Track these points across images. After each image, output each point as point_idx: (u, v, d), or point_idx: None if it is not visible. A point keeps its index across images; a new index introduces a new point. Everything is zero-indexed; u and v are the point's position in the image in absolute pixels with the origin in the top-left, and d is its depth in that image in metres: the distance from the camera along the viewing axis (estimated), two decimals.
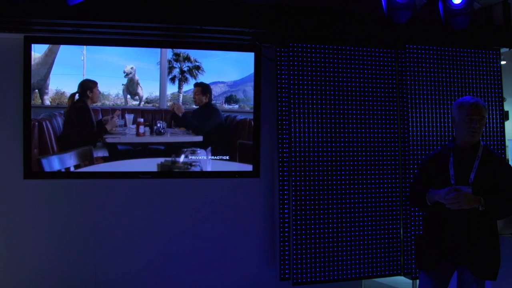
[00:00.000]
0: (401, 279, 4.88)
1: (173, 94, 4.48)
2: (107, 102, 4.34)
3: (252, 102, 4.60)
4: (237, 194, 4.67)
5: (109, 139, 4.33)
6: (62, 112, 4.23)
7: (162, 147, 4.44)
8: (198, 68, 4.50)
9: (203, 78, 4.52)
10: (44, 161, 4.18)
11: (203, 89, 4.52)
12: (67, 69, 4.25)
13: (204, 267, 4.57)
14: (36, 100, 4.19)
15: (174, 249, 4.52)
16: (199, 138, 4.51)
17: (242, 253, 4.66)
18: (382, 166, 4.61)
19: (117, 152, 4.35)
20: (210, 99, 4.54)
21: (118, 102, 4.37)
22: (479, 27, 4.93)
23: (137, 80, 4.41)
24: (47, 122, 4.18)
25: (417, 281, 4.35)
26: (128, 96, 4.40)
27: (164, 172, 4.44)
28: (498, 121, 4.90)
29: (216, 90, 4.57)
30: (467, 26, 4.04)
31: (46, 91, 4.22)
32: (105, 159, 4.31)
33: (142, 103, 4.43)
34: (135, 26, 4.17)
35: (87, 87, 4.27)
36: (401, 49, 4.71)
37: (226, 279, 4.62)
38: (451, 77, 4.79)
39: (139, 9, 4.08)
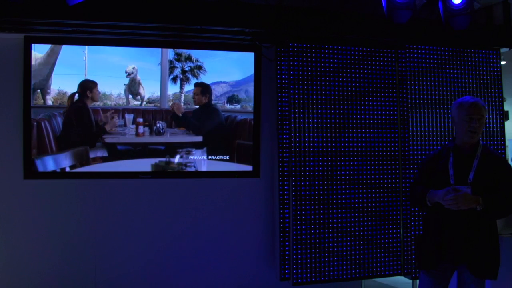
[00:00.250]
0: (401, 279, 4.87)
1: (174, 94, 4.48)
2: (109, 102, 4.35)
3: None
4: (237, 194, 4.67)
5: (108, 139, 4.33)
6: (62, 112, 4.23)
7: (163, 147, 4.44)
8: (199, 68, 4.50)
9: (204, 78, 4.52)
10: (38, 162, 4.17)
11: (203, 89, 4.52)
12: (69, 69, 4.25)
13: (204, 267, 4.57)
14: (38, 100, 4.19)
15: (174, 249, 4.51)
16: (199, 139, 4.51)
17: (242, 253, 4.66)
18: (382, 166, 4.61)
19: (116, 153, 4.34)
20: (210, 99, 4.54)
21: (120, 102, 4.37)
22: (479, 27, 4.94)
23: (139, 80, 4.41)
24: (46, 122, 4.18)
25: (417, 281, 4.35)
26: (130, 96, 4.40)
27: (165, 172, 4.43)
28: (498, 121, 4.90)
29: (218, 90, 4.56)
30: (467, 26, 4.04)
31: (48, 91, 4.22)
32: (104, 159, 4.31)
33: (144, 103, 4.43)
34: (135, 26, 4.18)
35: (87, 87, 4.27)
36: (401, 49, 4.71)
37: (226, 279, 4.62)
38: (451, 77, 4.79)
39: (138, 9, 4.08)
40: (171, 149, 4.44)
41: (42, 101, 4.21)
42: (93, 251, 4.35)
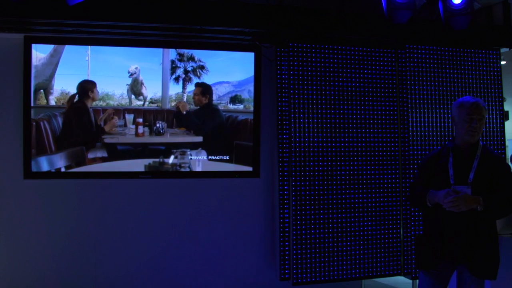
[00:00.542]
0: (401, 279, 4.88)
1: (177, 94, 4.47)
2: (111, 102, 4.34)
3: None
4: (237, 194, 4.67)
5: (108, 140, 4.32)
6: (62, 112, 4.23)
7: (163, 148, 4.43)
8: (202, 68, 4.50)
9: (207, 78, 4.51)
10: (32, 162, 4.15)
11: (203, 89, 4.51)
12: (71, 69, 4.25)
13: (204, 267, 4.57)
14: (41, 100, 4.19)
15: (174, 249, 4.52)
16: (199, 139, 4.50)
17: (242, 253, 4.66)
18: (382, 166, 4.61)
19: (116, 153, 4.34)
20: (210, 100, 4.53)
21: (123, 102, 4.37)
22: (479, 27, 4.94)
23: (142, 80, 4.40)
24: (45, 122, 4.18)
25: (417, 281, 4.35)
26: (133, 96, 4.40)
27: (165, 172, 4.43)
28: (498, 121, 4.90)
29: (221, 90, 4.56)
30: (467, 26, 4.04)
31: (51, 91, 4.22)
32: (104, 160, 4.30)
33: (147, 103, 4.42)
34: (135, 26, 4.18)
35: (87, 88, 4.26)
36: (401, 49, 4.71)
37: (226, 279, 4.62)
38: (451, 77, 4.79)
39: (138, 9, 4.08)
40: (171, 149, 4.43)
41: (45, 101, 4.21)
42: (93, 250, 4.35)
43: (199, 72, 4.49)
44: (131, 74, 4.37)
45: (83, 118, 4.26)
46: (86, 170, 4.26)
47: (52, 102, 4.22)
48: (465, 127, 2.99)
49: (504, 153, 4.94)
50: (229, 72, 4.56)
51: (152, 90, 4.43)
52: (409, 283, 4.82)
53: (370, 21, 4.57)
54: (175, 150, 4.42)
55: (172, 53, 4.45)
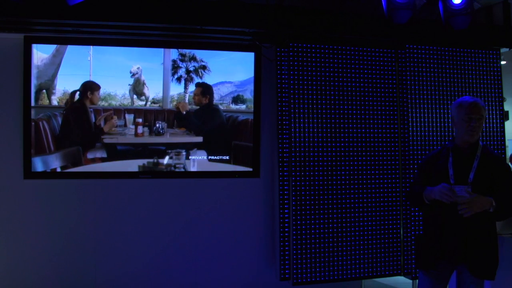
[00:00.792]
0: (401, 279, 4.88)
1: (179, 94, 4.47)
2: (113, 103, 4.34)
3: None
4: (237, 194, 4.67)
5: (107, 140, 4.32)
6: (62, 111, 4.23)
7: (163, 148, 4.43)
8: (204, 68, 4.49)
9: (209, 78, 4.51)
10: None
11: (204, 89, 4.51)
12: (74, 69, 4.25)
13: (204, 267, 4.57)
14: (43, 100, 4.19)
15: (174, 249, 4.52)
16: (199, 139, 4.50)
17: (242, 253, 4.66)
18: (382, 166, 4.61)
19: (115, 153, 4.33)
20: (210, 100, 4.52)
21: (125, 102, 4.37)
22: (479, 27, 4.93)
23: (144, 80, 4.40)
24: (44, 122, 4.18)
25: (417, 281, 4.35)
26: (135, 97, 4.40)
27: (165, 172, 4.42)
28: (498, 121, 4.90)
29: (223, 90, 4.55)
30: (467, 26, 4.04)
31: (54, 91, 4.22)
32: (103, 160, 4.30)
33: (149, 103, 4.42)
34: (134, 26, 4.18)
35: (89, 87, 4.26)
36: (401, 49, 4.71)
37: (226, 279, 4.62)
38: (451, 77, 4.79)
39: (138, 9, 4.08)
40: (171, 149, 4.43)
41: (48, 101, 4.21)
42: (93, 250, 4.35)
43: (201, 72, 4.49)
44: (133, 74, 4.36)
45: (81, 118, 4.26)
46: (86, 170, 4.26)
47: (55, 102, 4.22)
48: (464, 127, 2.99)
49: (504, 153, 4.94)
50: (231, 72, 4.56)
51: (154, 90, 4.42)
52: (409, 283, 4.82)
53: (370, 21, 4.57)
54: (170, 151, 4.41)
55: (174, 53, 4.45)
